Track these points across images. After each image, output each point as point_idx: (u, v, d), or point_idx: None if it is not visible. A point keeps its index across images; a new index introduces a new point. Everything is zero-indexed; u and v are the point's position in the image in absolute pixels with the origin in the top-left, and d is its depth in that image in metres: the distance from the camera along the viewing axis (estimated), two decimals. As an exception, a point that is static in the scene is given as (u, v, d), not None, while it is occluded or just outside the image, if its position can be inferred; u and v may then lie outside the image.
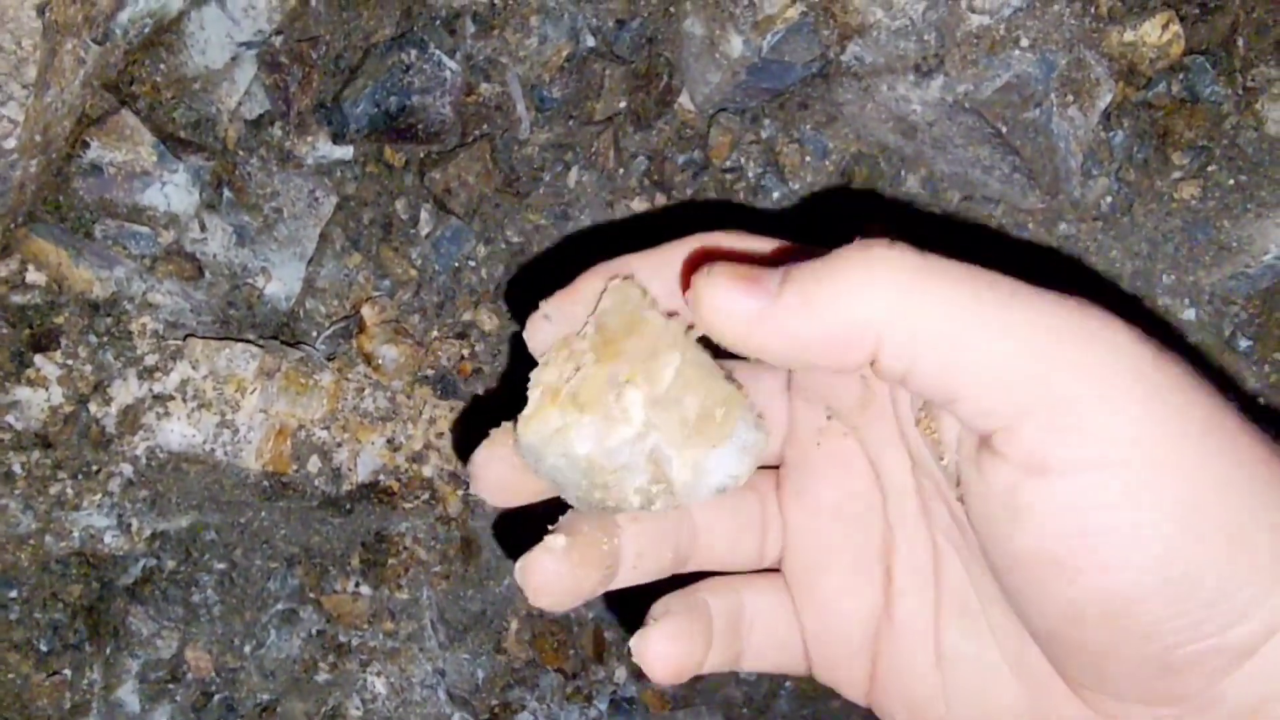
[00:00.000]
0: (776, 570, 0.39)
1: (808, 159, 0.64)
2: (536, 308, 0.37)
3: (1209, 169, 0.59)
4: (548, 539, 0.35)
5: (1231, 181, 0.59)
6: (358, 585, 0.66)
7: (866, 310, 0.28)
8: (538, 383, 0.34)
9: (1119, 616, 0.28)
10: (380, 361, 0.60)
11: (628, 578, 0.36)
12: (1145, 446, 0.27)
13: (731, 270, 0.29)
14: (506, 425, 0.36)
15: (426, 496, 0.66)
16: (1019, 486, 0.28)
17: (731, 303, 0.29)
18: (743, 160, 0.65)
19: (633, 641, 0.36)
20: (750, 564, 0.39)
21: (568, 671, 0.75)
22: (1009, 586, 0.30)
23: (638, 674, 0.77)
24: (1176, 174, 0.59)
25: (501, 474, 0.36)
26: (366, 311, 0.61)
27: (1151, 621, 0.27)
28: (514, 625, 0.73)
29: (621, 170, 0.66)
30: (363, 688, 0.65)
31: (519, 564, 0.35)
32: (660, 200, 0.67)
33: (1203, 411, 0.27)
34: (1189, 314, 0.58)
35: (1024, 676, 0.33)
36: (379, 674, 0.66)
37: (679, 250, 0.35)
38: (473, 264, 0.67)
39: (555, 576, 0.34)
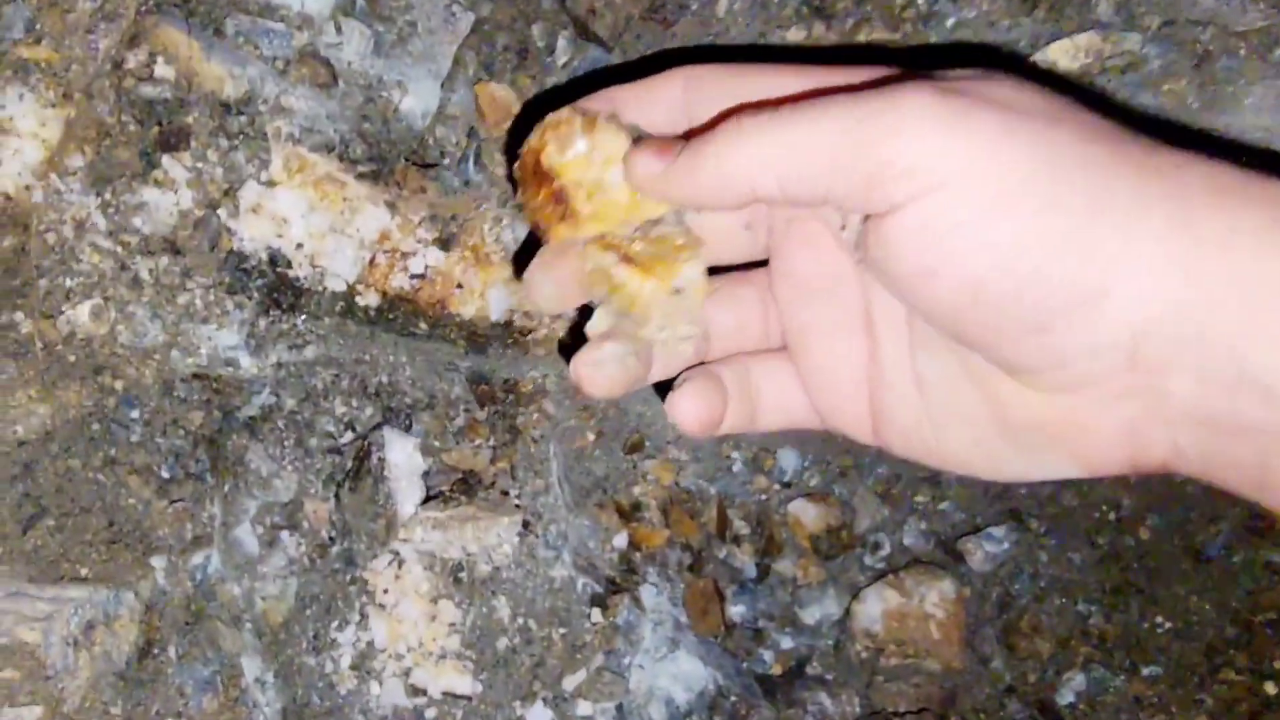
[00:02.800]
0: (781, 350, 0.46)
1: (986, -17, 0.59)
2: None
3: None
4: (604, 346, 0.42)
5: None
6: (486, 439, 0.62)
7: (733, 169, 0.37)
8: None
9: (984, 299, 0.35)
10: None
11: (659, 372, 0.44)
12: (955, 167, 0.34)
13: (652, 143, 0.39)
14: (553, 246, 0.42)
15: (560, 338, 0.62)
16: (884, 228, 0.36)
17: (645, 165, 0.39)
18: (914, -16, 0.60)
19: (667, 403, 0.43)
20: (758, 344, 0.46)
21: (694, 547, 0.71)
22: (919, 307, 0.38)
23: (761, 552, 0.73)
24: None
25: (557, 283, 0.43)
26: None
27: (1007, 296, 0.34)
28: (638, 491, 0.69)
29: (778, -4, 0.61)
30: (494, 544, 0.61)
31: (575, 360, 0.42)
32: (819, 31, 0.61)
33: (1006, 126, 0.34)
34: None
35: (975, 376, 0.39)
36: (506, 533, 0.62)
37: (662, 85, 0.42)
38: (611, 99, 0.63)
39: (612, 370, 0.42)
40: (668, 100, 0.41)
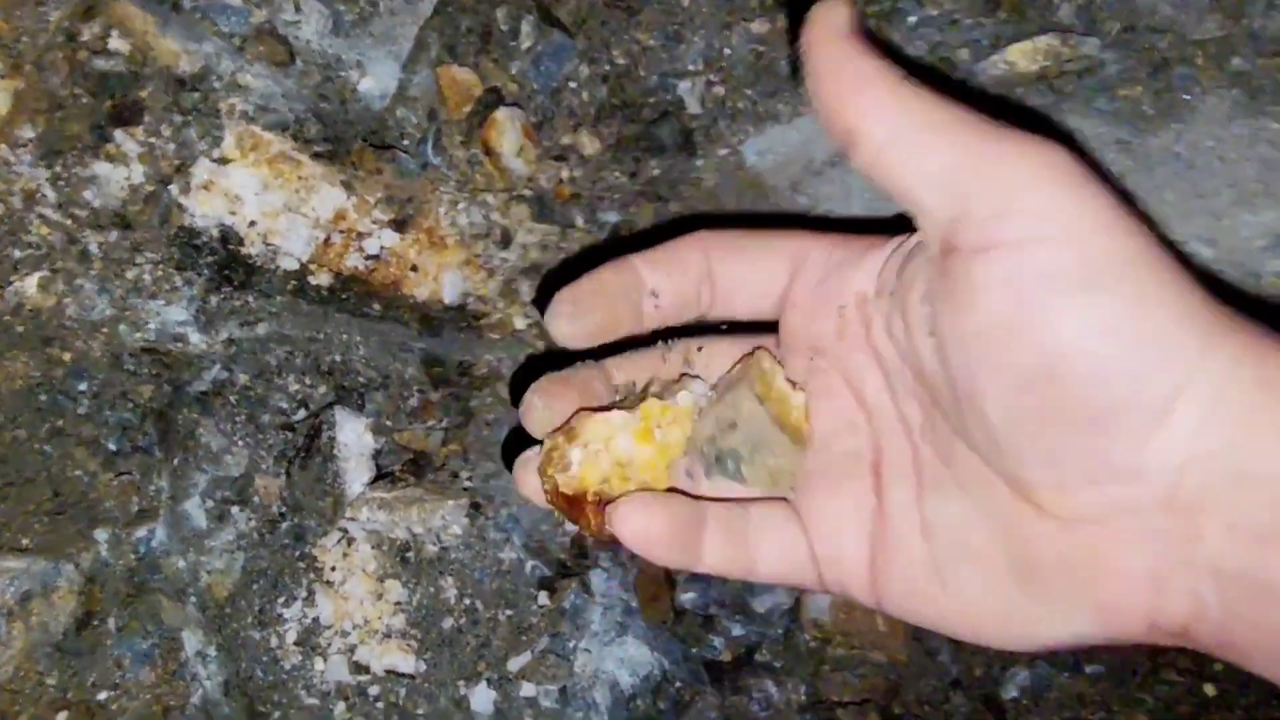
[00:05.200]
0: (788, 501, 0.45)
1: (949, -18, 0.59)
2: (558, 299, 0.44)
3: (1407, 4, 0.53)
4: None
5: None
6: (439, 421, 0.62)
7: (849, 120, 0.36)
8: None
9: (1056, 374, 0.33)
10: (502, 159, 0.56)
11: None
12: (1071, 224, 0.33)
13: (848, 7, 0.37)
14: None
15: (515, 327, 0.62)
16: (971, 267, 0.34)
17: (834, 7, 0.37)
18: (878, -19, 0.60)
19: (610, 509, 0.41)
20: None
21: (644, 533, 0.71)
22: (968, 380, 0.35)
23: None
24: (1369, 8, 0.53)
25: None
26: (501, 112, 0.57)
27: (1082, 375, 0.32)
28: (592, 479, 0.69)
29: (743, -12, 0.61)
30: (440, 526, 0.62)
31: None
32: (781, 23, 0.61)
33: (1119, 210, 0.33)
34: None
35: (992, 513, 0.37)
36: (451, 515, 0.63)
37: (683, 250, 0.43)
38: (574, 85, 0.62)
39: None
40: (690, 264, 0.42)
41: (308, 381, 0.60)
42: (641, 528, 0.41)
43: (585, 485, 0.41)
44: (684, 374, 0.45)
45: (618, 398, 0.45)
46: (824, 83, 0.36)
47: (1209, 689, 0.73)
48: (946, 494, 0.39)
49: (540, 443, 0.44)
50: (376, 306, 0.59)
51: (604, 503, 0.41)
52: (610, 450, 0.41)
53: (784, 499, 0.44)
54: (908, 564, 0.40)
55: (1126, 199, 0.34)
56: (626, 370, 0.46)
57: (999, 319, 0.33)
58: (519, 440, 0.47)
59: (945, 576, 0.39)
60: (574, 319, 0.43)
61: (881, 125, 0.35)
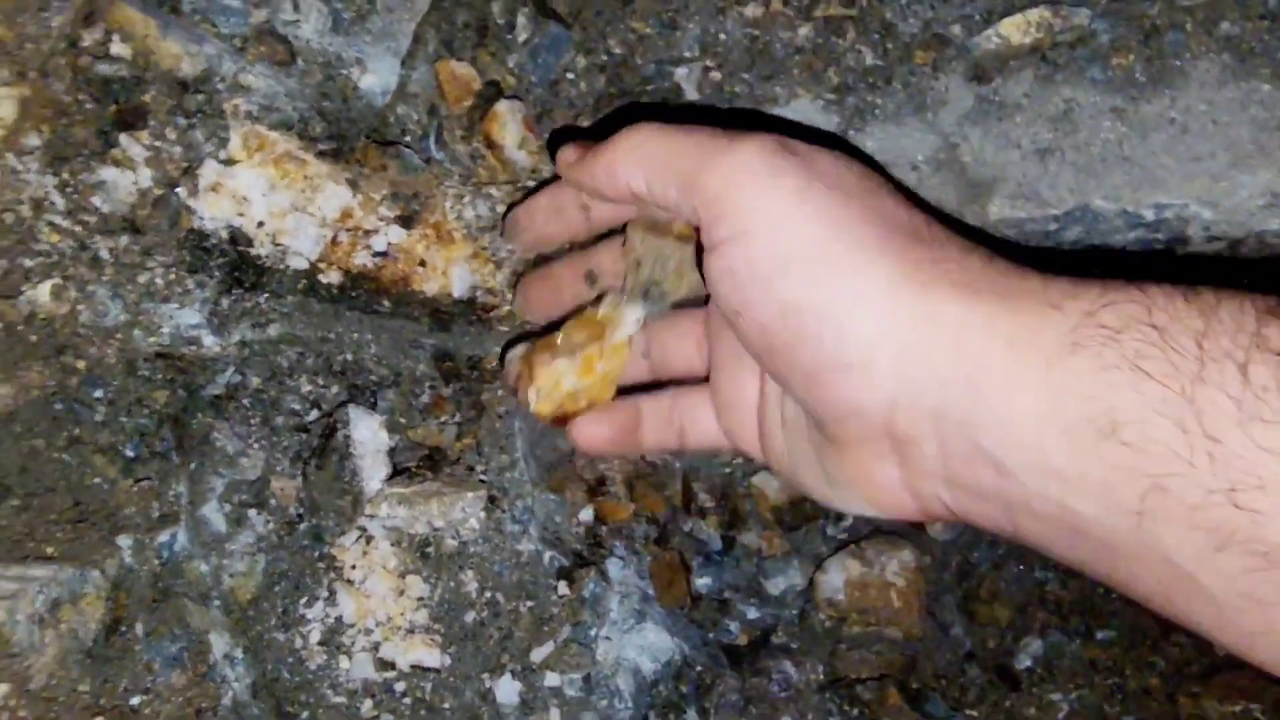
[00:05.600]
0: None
1: (940, -40, 0.59)
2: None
3: (1389, -37, 0.54)
4: None
5: None
6: (451, 416, 0.62)
7: (617, 166, 0.45)
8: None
9: (774, 346, 0.40)
10: (505, 151, 0.56)
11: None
12: (760, 220, 0.39)
13: (576, 142, 0.49)
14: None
15: (524, 318, 0.62)
16: (709, 261, 0.42)
17: (565, 154, 0.49)
18: (870, -40, 0.60)
19: (570, 426, 0.53)
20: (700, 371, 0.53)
21: (659, 520, 0.72)
22: (739, 339, 0.43)
23: (726, 524, 0.74)
24: (1352, -32, 0.54)
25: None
26: (501, 105, 0.57)
27: (790, 344, 0.39)
28: (603, 466, 0.70)
29: (736, -28, 0.61)
30: (459, 520, 0.62)
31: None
32: (775, 6, 0.62)
33: (803, 196, 0.39)
34: (1365, 116, 0.54)
35: (808, 425, 0.45)
36: (471, 507, 0.63)
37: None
38: (571, 76, 0.63)
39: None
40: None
41: (320, 382, 0.60)
42: (590, 436, 0.52)
43: (543, 414, 0.52)
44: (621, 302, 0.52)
45: (587, 285, 0.54)
46: (593, 187, 0.46)
47: (1219, 649, 0.74)
48: (793, 401, 0.45)
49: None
50: (386, 303, 0.59)
51: (563, 419, 0.52)
52: (559, 389, 0.51)
53: (704, 381, 0.53)
54: (775, 444, 0.48)
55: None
56: (595, 260, 0.54)
57: (728, 304, 0.41)
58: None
59: (794, 463, 0.46)
60: (515, 235, 0.56)
61: (638, 175, 0.44)
